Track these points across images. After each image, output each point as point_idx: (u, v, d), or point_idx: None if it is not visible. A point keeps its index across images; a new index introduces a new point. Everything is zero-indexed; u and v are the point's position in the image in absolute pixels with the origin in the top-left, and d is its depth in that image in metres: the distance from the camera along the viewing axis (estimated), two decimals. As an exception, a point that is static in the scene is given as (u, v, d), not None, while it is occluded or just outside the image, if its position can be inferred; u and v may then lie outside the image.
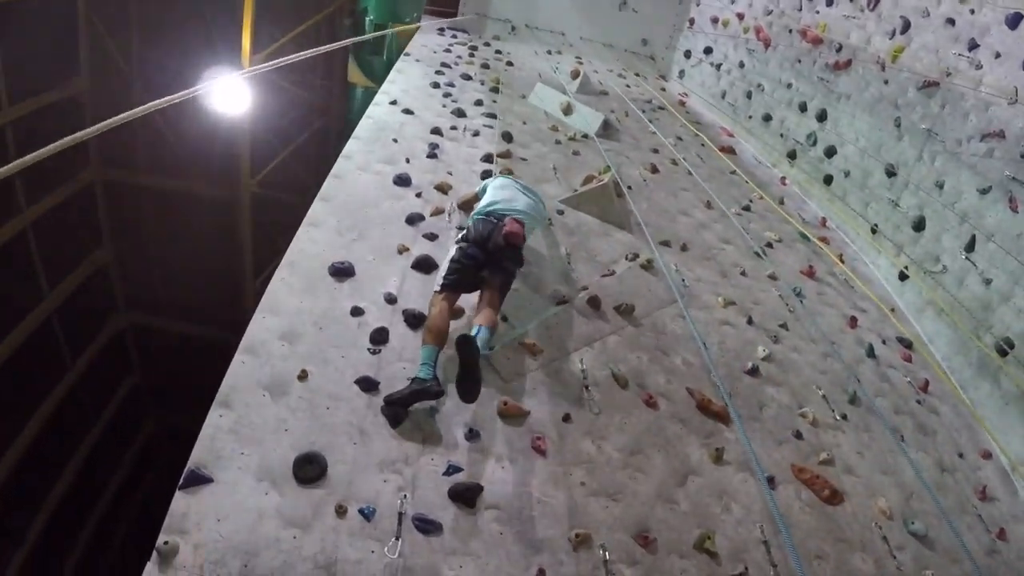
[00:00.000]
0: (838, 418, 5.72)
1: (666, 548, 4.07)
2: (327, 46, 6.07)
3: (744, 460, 4.86)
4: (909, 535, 4.82)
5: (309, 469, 3.87)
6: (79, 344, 15.34)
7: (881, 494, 5.07)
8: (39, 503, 13.77)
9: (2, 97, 12.47)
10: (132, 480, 16.84)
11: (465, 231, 5.49)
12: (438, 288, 5.09)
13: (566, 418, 4.81)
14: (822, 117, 10.61)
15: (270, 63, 5.09)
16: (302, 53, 5.42)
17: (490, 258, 5.25)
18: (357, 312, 5.25)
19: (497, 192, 5.95)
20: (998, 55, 7.46)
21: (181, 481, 3.61)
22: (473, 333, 4.51)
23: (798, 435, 5.35)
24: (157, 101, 3.82)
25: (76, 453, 15.00)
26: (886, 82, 9.22)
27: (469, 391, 4.31)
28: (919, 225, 8.10)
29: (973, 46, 7.84)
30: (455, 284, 5.11)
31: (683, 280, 7.07)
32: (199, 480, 3.63)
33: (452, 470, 4.14)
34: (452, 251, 5.32)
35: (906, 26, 8.95)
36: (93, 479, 15.51)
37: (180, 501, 3.52)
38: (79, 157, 14.88)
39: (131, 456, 17.25)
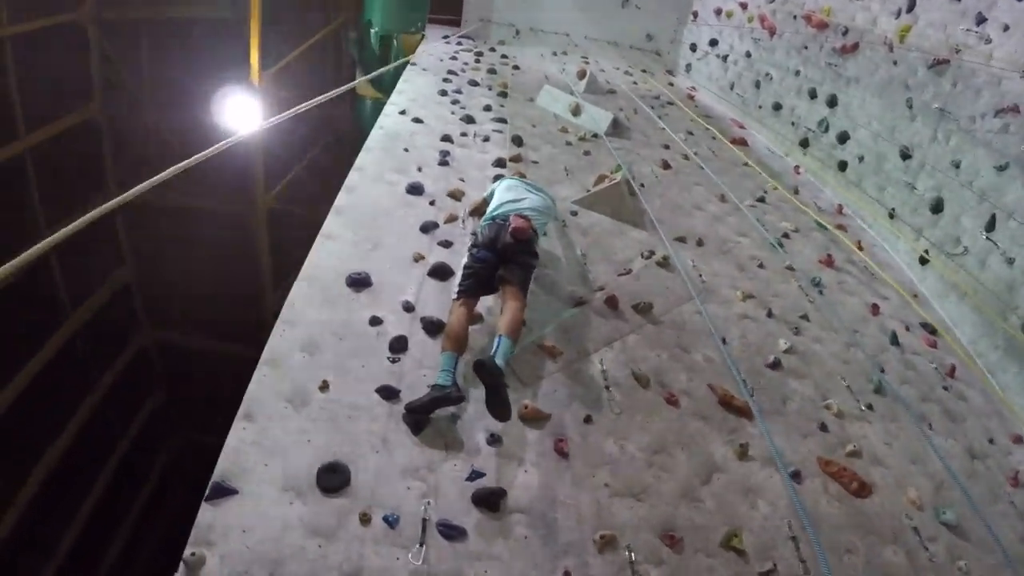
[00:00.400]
0: (864, 408, 5.64)
1: (692, 547, 4.04)
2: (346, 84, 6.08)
3: (769, 456, 4.81)
4: (941, 525, 4.74)
5: (332, 478, 3.89)
6: (103, 362, 15.53)
7: (911, 484, 4.99)
8: (69, 517, 13.95)
9: (19, 124, 12.62)
10: (159, 494, 17.03)
11: (475, 237, 5.51)
12: (455, 295, 5.11)
13: (588, 419, 4.79)
14: (833, 103, 10.52)
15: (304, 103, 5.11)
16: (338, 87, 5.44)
17: (503, 257, 5.26)
18: (376, 322, 5.27)
19: (503, 195, 5.96)
20: (1007, 28, 7.36)
21: (207, 493, 3.65)
22: (493, 349, 4.50)
23: (823, 427, 5.29)
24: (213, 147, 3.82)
25: (104, 468, 15.19)
26: (895, 63, 9.13)
27: (500, 412, 4.30)
28: (937, 207, 8.00)
29: (981, 20, 7.75)
30: (470, 289, 5.13)
31: (700, 276, 7.02)
32: (224, 492, 3.67)
33: (475, 475, 4.14)
34: (465, 258, 5.34)
35: (911, 4, 8.86)
36: (121, 493, 15.70)
37: (206, 513, 3.55)
38: (95, 180, 15.05)
39: (157, 470, 17.43)
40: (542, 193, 6.17)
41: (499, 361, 4.40)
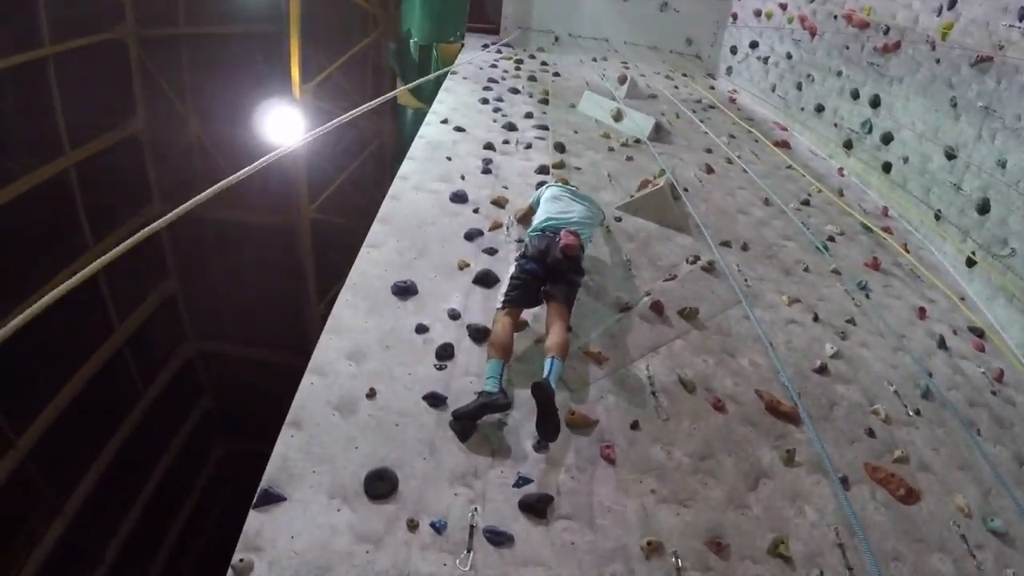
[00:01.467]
0: (911, 414, 5.59)
1: (739, 554, 4.04)
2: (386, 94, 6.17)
3: (816, 461, 4.80)
4: (988, 533, 4.67)
5: (380, 485, 3.95)
6: (150, 373, 15.81)
7: (958, 491, 4.93)
8: (117, 526, 14.20)
9: (63, 141, 12.89)
10: (205, 502, 17.26)
11: (524, 248, 5.58)
12: (500, 305, 5.19)
13: (634, 425, 4.82)
14: (876, 103, 10.44)
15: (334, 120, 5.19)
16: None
17: (551, 272, 5.34)
18: (422, 329, 5.35)
19: (550, 205, 6.02)
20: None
21: (255, 500, 3.73)
22: (545, 372, 4.54)
23: (871, 433, 5.25)
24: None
25: (151, 477, 15.46)
26: (938, 61, 9.04)
27: (550, 433, 4.35)
28: (984, 207, 7.90)
29: (1023, 15, 7.67)
30: (516, 300, 5.20)
31: (746, 280, 7.02)
32: (272, 499, 3.75)
33: (522, 481, 4.18)
34: (512, 268, 5.44)
35: (953, 1, 8.77)
36: (168, 501, 15.96)
37: (254, 520, 3.63)
38: (142, 194, 15.35)
39: (204, 479, 17.69)
40: (587, 201, 6.24)
41: (552, 383, 4.46)
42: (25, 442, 11.72)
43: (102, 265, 3.03)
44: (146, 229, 3.30)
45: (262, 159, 4.34)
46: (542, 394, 4.35)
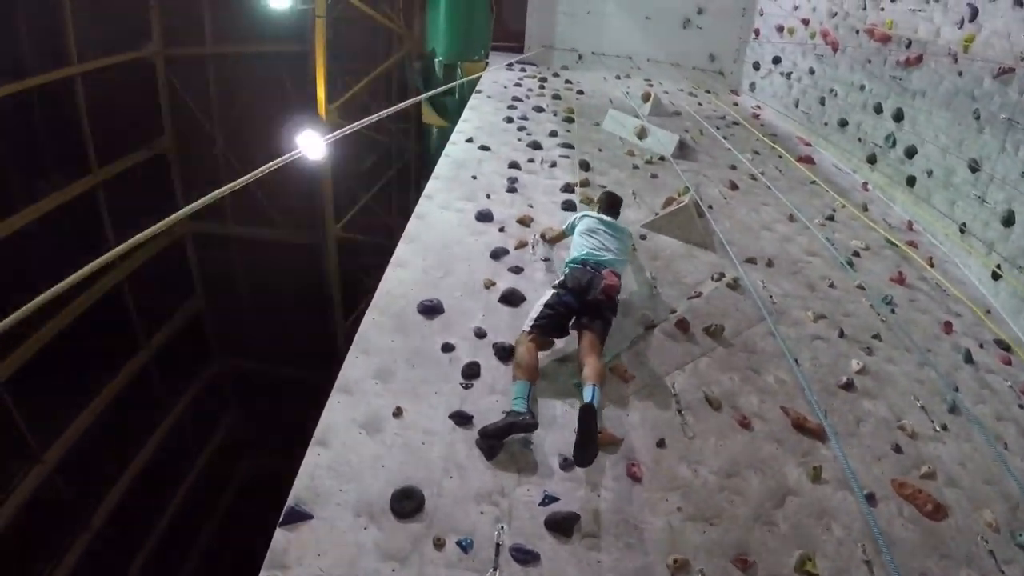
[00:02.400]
0: (938, 429, 5.58)
1: (766, 571, 4.05)
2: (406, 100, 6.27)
3: (843, 478, 4.81)
4: (1017, 548, 4.64)
5: (406, 503, 4.00)
6: (176, 391, 15.95)
7: (986, 506, 4.90)
8: (142, 541, 14.30)
9: (91, 159, 13.10)
10: (231, 520, 17.32)
11: (563, 278, 5.62)
12: (528, 328, 5.23)
13: (660, 443, 4.85)
14: (899, 117, 10.44)
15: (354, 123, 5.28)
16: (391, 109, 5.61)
17: (586, 308, 5.40)
18: (448, 348, 5.43)
19: (588, 240, 6.04)
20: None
21: (281, 518, 3.79)
22: (588, 398, 4.55)
23: (897, 449, 5.25)
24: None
25: (176, 493, 15.57)
26: (960, 74, 9.03)
27: (588, 458, 4.37)
28: (1009, 220, 7.87)
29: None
30: (545, 329, 5.27)
31: (771, 297, 7.05)
32: (299, 517, 3.81)
33: (548, 500, 4.21)
34: (548, 295, 5.47)
35: (974, 13, 8.78)
36: (194, 518, 16.04)
37: (281, 537, 3.69)
38: (169, 212, 15.50)
39: (229, 496, 17.77)
40: (620, 233, 6.30)
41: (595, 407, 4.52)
42: (52, 456, 11.86)
43: (124, 273, 3.10)
44: (155, 226, 3.37)
45: (279, 159, 4.39)
46: (589, 418, 4.38)
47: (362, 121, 5.34)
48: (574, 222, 6.47)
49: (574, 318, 5.40)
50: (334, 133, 5.11)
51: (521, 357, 4.99)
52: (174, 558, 15.37)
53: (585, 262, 5.72)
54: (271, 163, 4.27)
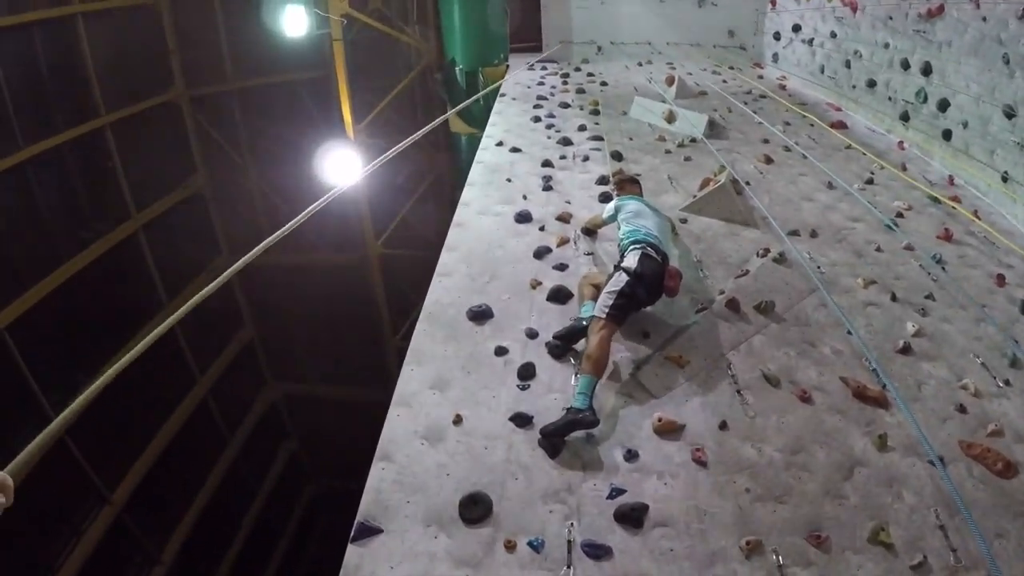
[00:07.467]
0: (1001, 385, 5.46)
1: (839, 545, 4.00)
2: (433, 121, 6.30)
3: (910, 444, 4.75)
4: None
5: (475, 509, 4.04)
6: (235, 421, 16.20)
7: (1058, 459, 4.82)
8: (213, 572, 14.53)
9: (129, 204, 13.40)
10: (299, 543, 17.53)
11: (634, 265, 5.45)
12: (603, 315, 5.16)
13: (722, 426, 4.84)
14: (927, 71, 10.28)
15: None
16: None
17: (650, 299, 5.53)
18: (501, 351, 5.48)
19: (637, 220, 6.02)
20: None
21: (352, 534, 3.85)
22: (583, 405, 4.68)
23: (962, 409, 5.16)
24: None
25: (243, 522, 15.80)
26: (984, 19, 8.88)
27: (548, 448, 4.55)
28: (1052, 164, 7.76)
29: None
30: (619, 318, 5.25)
31: (819, 267, 6.99)
32: (369, 532, 3.88)
33: (615, 493, 4.23)
34: (620, 282, 5.33)
35: (992, -45, 8.65)
36: (262, 544, 16.27)
37: (353, 553, 3.76)
38: (210, 247, 15.83)
39: (295, 520, 17.99)
40: (661, 216, 6.33)
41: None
42: (119, 497, 12.12)
43: (178, 318, 3.19)
44: (217, 280, 3.46)
45: (324, 197, 4.45)
46: (575, 426, 4.57)
47: (399, 145, 5.37)
48: (615, 208, 6.43)
49: None
50: (373, 163, 5.14)
51: (594, 348, 4.94)
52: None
53: (646, 242, 5.65)
54: (316, 203, 4.32)
